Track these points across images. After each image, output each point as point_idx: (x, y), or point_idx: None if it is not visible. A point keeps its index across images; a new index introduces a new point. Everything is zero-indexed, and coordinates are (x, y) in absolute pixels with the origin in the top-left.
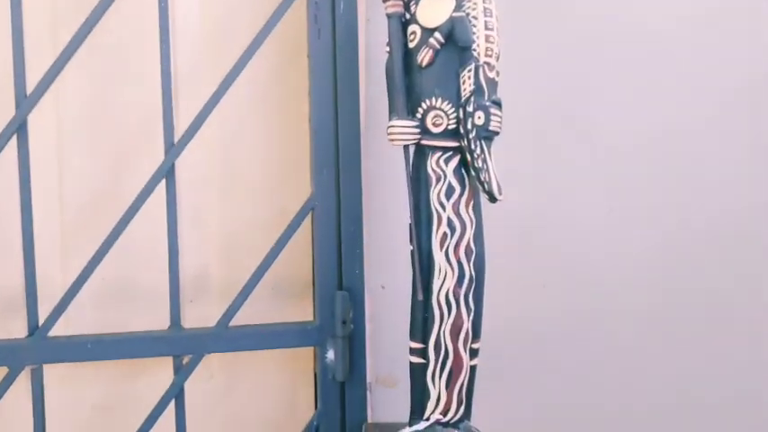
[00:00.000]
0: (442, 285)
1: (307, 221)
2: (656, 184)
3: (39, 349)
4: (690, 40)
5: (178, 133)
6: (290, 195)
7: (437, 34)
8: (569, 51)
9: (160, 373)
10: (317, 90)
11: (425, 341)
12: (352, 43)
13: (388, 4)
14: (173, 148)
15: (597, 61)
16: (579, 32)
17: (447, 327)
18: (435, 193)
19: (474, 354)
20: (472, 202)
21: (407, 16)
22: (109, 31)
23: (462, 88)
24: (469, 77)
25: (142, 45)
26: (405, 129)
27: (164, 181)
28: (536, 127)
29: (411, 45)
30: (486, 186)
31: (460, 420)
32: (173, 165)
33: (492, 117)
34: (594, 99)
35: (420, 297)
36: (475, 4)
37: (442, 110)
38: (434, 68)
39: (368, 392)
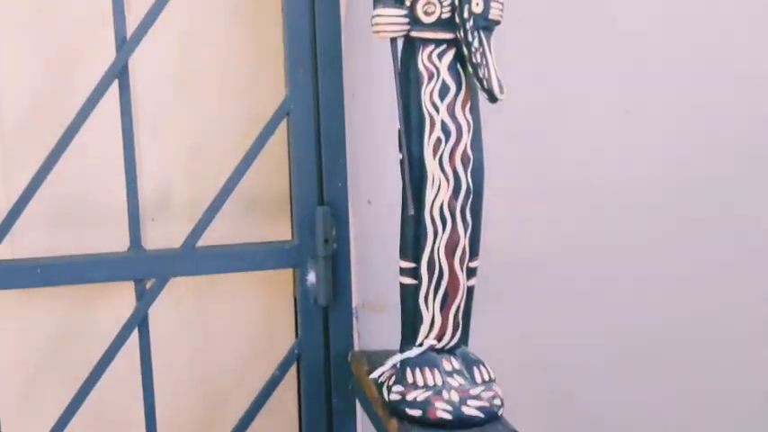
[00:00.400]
0: (435, 198)
1: (282, 128)
2: (681, 80)
3: None
4: None
5: (131, 27)
6: (262, 98)
7: None
8: None
9: (121, 299)
10: None
11: (417, 260)
12: None
13: None
14: (125, 45)
15: None
16: None
17: (441, 243)
18: (427, 92)
19: (471, 273)
20: (469, 103)
21: None
22: None
23: None
24: None
25: None
26: (391, 18)
27: (116, 82)
28: (542, 14)
29: None
30: (485, 84)
31: (457, 346)
32: (126, 63)
33: (492, 4)
34: None
35: (411, 211)
36: None
37: None
38: None
39: (354, 318)
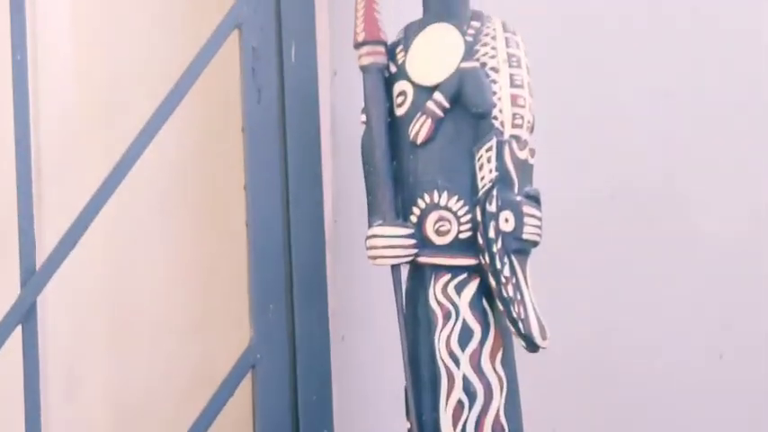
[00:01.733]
0: None
1: (245, 384)
2: None
3: None
4: None
5: (41, 254)
6: (218, 344)
7: (438, 95)
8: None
9: None
10: (257, 181)
11: None
12: (309, 112)
13: (362, 51)
14: (33, 278)
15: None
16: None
17: None
18: (443, 338)
19: None
20: (501, 352)
21: (392, 69)
22: None
23: (479, 176)
24: (489, 160)
25: None
26: (393, 240)
27: (19, 328)
28: (609, 199)
29: (400, 112)
30: (520, 326)
31: None
32: (34, 303)
33: (526, 219)
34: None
35: None
36: (494, 49)
37: (450, 210)
38: (436, 147)
39: None
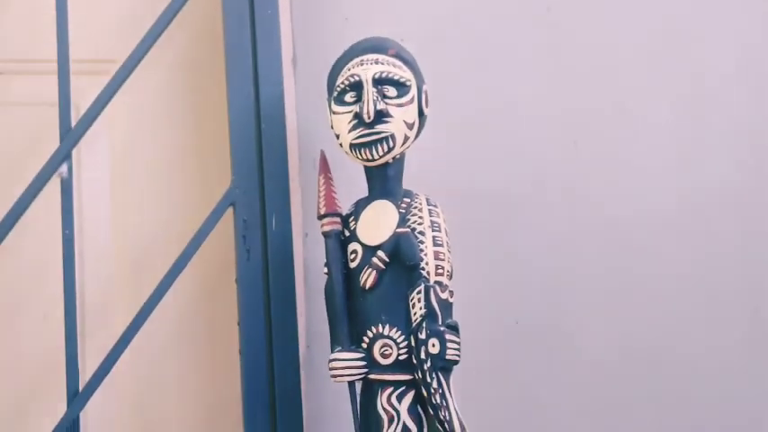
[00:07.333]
0: None
1: None
2: None
3: None
4: None
5: (84, 377)
6: None
7: (380, 253)
8: None
9: None
10: (248, 322)
11: None
12: (286, 266)
13: (324, 221)
14: (77, 398)
15: None
16: None
17: None
18: None
19: None
20: None
21: (347, 234)
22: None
23: (412, 312)
24: (419, 300)
25: (45, 272)
26: (349, 362)
27: None
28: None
29: (352, 265)
30: (446, 426)
31: None
32: (77, 418)
33: (448, 344)
34: None
35: None
36: (421, 218)
37: (391, 338)
38: (380, 291)
39: None
